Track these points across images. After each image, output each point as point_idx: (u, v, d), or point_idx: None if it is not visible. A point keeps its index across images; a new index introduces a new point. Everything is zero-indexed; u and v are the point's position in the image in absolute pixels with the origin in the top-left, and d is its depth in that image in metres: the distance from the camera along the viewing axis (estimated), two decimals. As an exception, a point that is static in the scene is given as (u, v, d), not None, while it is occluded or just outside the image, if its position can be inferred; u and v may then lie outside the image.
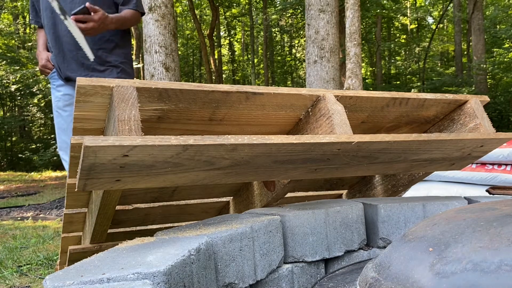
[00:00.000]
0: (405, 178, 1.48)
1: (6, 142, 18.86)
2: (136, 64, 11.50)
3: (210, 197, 1.49)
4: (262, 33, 22.02)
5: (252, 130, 1.07)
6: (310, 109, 1.05)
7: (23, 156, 17.27)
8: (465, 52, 19.19)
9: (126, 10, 2.34)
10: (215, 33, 18.47)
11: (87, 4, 1.99)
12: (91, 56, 1.83)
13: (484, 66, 13.80)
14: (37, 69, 2.57)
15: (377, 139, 0.97)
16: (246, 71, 22.46)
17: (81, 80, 0.77)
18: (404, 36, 22.95)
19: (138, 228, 1.54)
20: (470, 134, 1.13)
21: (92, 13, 1.96)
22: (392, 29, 22.81)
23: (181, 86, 0.86)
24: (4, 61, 15.44)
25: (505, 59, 14.15)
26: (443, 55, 23.92)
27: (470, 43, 16.93)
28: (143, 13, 2.48)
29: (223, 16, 21.58)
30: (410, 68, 21.79)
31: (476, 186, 2.91)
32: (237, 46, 25.10)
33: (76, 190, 0.86)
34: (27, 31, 19.69)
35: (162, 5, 5.15)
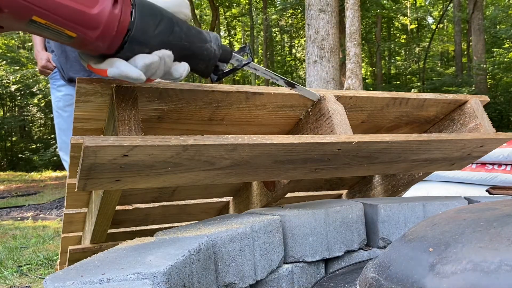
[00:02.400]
0: (405, 178, 1.48)
1: (6, 142, 18.87)
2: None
3: (210, 197, 1.50)
4: (262, 33, 22.03)
5: (252, 130, 1.07)
6: (310, 109, 1.05)
7: (23, 156, 17.28)
8: (465, 52, 19.20)
9: None
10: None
11: None
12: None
13: (484, 66, 13.81)
14: (37, 69, 2.56)
15: (377, 139, 0.97)
16: (246, 71, 22.48)
17: (81, 80, 0.78)
18: (404, 36, 22.96)
19: (138, 228, 1.54)
20: (470, 134, 1.13)
21: None
22: (392, 29, 22.82)
23: (181, 86, 0.86)
24: (4, 61, 15.45)
25: (505, 59, 14.16)
26: (443, 55, 23.92)
27: (470, 43, 16.93)
28: None
29: (223, 16, 21.60)
30: (410, 68, 21.80)
31: (476, 186, 2.91)
32: (237, 46, 25.09)
33: (76, 190, 0.86)
34: (27, 31, 19.66)
35: (162, 5, 5.15)
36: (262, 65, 22.60)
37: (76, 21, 0.61)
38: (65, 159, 2.31)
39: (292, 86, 0.96)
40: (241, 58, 0.82)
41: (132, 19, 0.65)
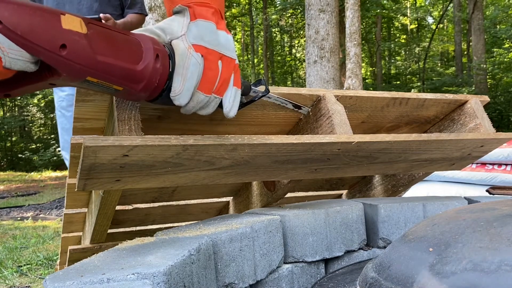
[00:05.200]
0: (405, 178, 1.48)
1: (6, 142, 18.86)
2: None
3: (210, 197, 1.49)
4: (262, 33, 22.03)
5: (252, 130, 1.07)
6: (310, 109, 1.05)
7: (23, 156, 17.27)
8: (465, 52, 19.20)
9: (131, 14, 2.39)
10: (215, 33, 18.41)
11: (102, 15, 2.02)
12: None
13: (484, 66, 13.81)
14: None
15: (377, 139, 0.97)
16: (246, 71, 22.48)
17: (81, 80, 0.77)
18: (404, 36, 22.96)
19: (138, 228, 1.54)
20: (470, 134, 1.13)
21: (103, 22, 2.01)
22: (392, 29, 22.82)
23: (181, 86, 0.86)
24: (4, 61, 15.41)
25: (505, 59, 14.16)
26: (443, 55, 23.91)
27: (470, 43, 16.93)
28: (146, 15, 2.52)
29: (223, 16, 21.53)
30: (410, 68, 21.80)
31: (476, 186, 2.91)
32: (237, 46, 25.11)
33: (76, 190, 0.86)
34: (27, 31, 19.64)
35: (162, 5, 5.15)
36: (262, 65, 22.61)
37: (124, 77, 0.67)
38: (68, 158, 2.32)
39: (299, 108, 1.04)
40: (258, 90, 0.90)
41: (170, 70, 0.73)
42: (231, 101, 0.79)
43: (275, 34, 23.31)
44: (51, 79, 0.62)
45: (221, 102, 0.80)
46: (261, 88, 0.90)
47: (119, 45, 0.67)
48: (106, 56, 0.64)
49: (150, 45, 0.71)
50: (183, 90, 0.73)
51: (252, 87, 0.88)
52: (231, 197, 1.54)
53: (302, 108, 1.03)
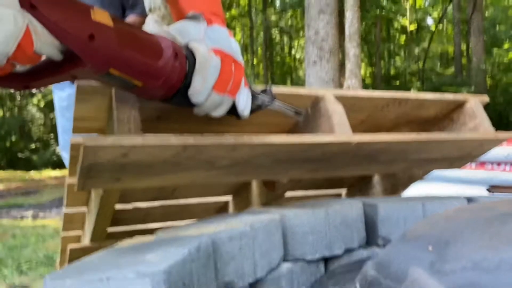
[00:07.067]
0: (405, 177, 1.48)
1: (6, 142, 18.85)
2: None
3: (210, 196, 1.50)
4: (261, 34, 22.04)
5: (252, 129, 1.07)
6: (309, 109, 1.05)
7: (23, 156, 17.26)
8: (465, 53, 19.21)
9: (132, 16, 2.39)
10: (215, 33, 18.45)
11: None
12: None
13: (484, 67, 13.81)
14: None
15: (376, 139, 0.97)
16: (246, 72, 22.47)
17: (81, 79, 0.77)
18: (404, 37, 22.97)
19: (138, 227, 1.54)
20: (469, 134, 1.14)
21: None
22: (391, 30, 22.83)
23: (181, 85, 0.86)
24: (4, 61, 15.42)
25: (505, 60, 14.16)
26: (442, 56, 23.92)
27: (470, 44, 16.94)
28: (146, 16, 2.53)
29: (223, 17, 21.56)
30: (409, 69, 21.80)
31: (476, 185, 2.92)
32: (237, 47, 25.07)
33: (75, 190, 0.86)
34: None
35: (162, 7, 5.15)
36: (261, 66, 22.63)
37: (145, 72, 0.69)
38: (67, 158, 2.33)
39: (300, 113, 1.04)
40: (263, 99, 0.91)
41: (187, 70, 0.75)
42: (245, 100, 0.83)
43: (274, 35, 23.32)
44: (73, 70, 0.63)
45: (233, 105, 0.82)
46: (267, 96, 0.91)
47: (140, 41, 0.69)
48: (130, 49, 0.66)
49: (169, 44, 0.73)
50: (203, 89, 0.76)
51: (257, 95, 0.90)
52: (231, 196, 1.54)
53: (301, 114, 1.04)
